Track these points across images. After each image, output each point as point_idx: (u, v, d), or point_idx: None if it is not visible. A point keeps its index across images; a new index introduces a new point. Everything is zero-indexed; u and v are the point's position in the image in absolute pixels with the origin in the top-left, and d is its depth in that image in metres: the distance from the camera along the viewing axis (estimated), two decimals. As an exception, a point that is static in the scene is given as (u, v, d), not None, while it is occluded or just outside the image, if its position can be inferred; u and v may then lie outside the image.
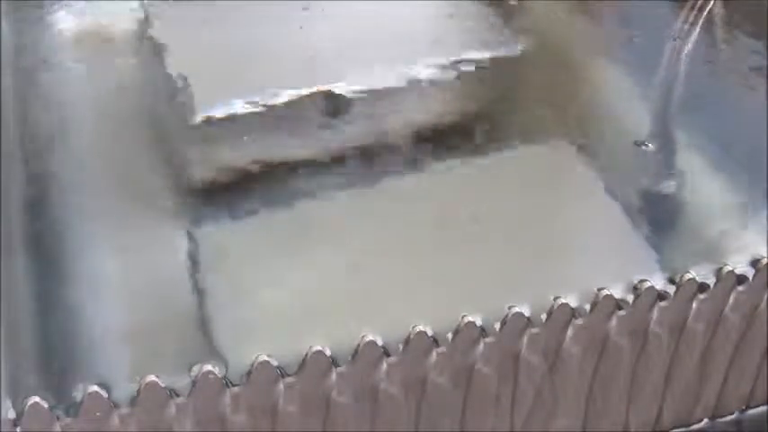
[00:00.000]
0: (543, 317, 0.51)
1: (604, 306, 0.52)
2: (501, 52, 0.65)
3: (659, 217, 0.59)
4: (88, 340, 0.51)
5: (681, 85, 0.68)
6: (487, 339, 0.51)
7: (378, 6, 0.69)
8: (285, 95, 0.61)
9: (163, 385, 0.47)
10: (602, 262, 0.56)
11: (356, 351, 0.49)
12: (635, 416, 0.58)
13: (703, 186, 0.61)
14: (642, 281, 0.53)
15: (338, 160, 0.61)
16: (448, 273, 0.55)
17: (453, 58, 0.64)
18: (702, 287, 0.54)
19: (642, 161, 0.63)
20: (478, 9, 0.69)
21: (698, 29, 0.70)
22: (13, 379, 0.48)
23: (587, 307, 0.52)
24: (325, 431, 0.51)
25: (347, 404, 0.50)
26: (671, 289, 0.53)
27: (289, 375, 0.49)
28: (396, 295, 0.54)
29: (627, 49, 0.70)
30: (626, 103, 0.67)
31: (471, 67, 0.65)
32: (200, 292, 0.54)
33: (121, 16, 0.68)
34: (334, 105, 0.62)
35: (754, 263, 0.55)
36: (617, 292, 0.53)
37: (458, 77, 0.64)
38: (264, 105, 0.61)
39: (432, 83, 0.64)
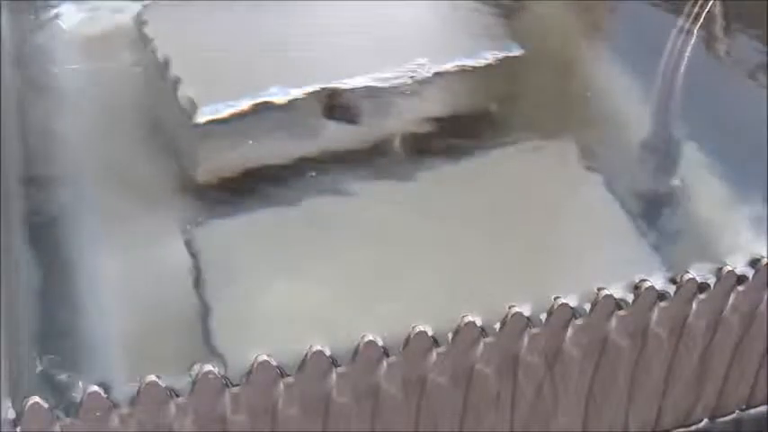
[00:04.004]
0: (543, 317, 0.51)
1: (604, 306, 0.52)
2: (501, 52, 0.65)
3: (659, 217, 0.59)
4: (88, 340, 0.51)
5: (681, 85, 0.68)
6: (487, 339, 0.51)
7: (378, 6, 0.68)
8: (285, 95, 0.61)
9: (163, 385, 0.47)
10: (602, 262, 0.56)
11: (356, 351, 0.49)
12: (635, 416, 0.58)
13: (704, 186, 0.61)
14: (642, 281, 0.53)
15: (338, 160, 0.61)
16: (448, 272, 0.55)
17: (453, 58, 0.64)
18: (702, 287, 0.54)
19: (642, 161, 0.63)
20: (479, 8, 0.69)
21: (698, 28, 0.70)
22: (13, 379, 0.48)
23: (587, 307, 0.52)
24: (325, 431, 0.51)
25: (347, 404, 0.50)
26: (671, 289, 0.53)
27: (289, 375, 0.49)
28: (396, 295, 0.54)
29: (628, 48, 0.70)
30: (626, 102, 0.66)
31: (471, 67, 0.65)
32: (200, 291, 0.54)
33: (121, 16, 0.68)
34: (334, 105, 0.62)
35: (754, 263, 0.55)
36: (617, 292, 0.53)
37: (458, 77, 0.64)
38: (264, 105, 0.61)
39: (432, 82, 0.64)
